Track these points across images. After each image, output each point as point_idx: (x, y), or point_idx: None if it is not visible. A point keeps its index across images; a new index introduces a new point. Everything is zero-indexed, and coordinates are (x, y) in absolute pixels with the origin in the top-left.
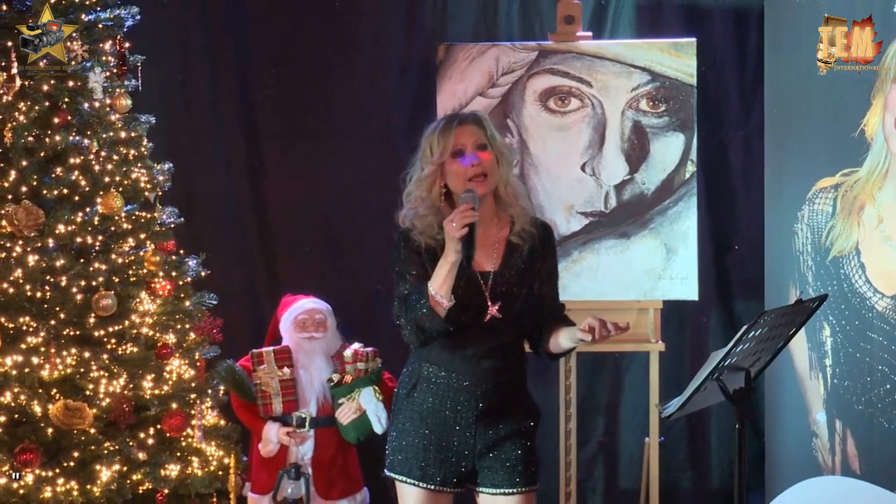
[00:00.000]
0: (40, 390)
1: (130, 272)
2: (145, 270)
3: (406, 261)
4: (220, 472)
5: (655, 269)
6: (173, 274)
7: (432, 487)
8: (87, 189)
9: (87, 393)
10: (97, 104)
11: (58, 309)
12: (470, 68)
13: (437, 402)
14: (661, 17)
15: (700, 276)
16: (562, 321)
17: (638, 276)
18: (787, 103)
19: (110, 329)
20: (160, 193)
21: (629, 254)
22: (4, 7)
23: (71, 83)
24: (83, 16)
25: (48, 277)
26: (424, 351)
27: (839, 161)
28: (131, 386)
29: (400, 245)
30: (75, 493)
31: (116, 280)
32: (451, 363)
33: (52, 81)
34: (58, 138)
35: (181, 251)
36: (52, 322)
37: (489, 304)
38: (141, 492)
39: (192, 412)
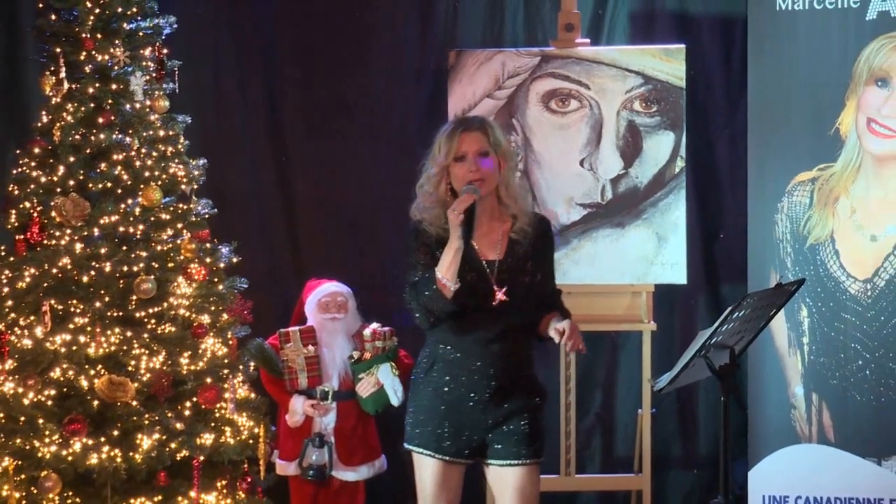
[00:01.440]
0: (87, 366)
1: (168, 259)
2: (182, 257)
3: (416, 251)
4: (251, 441)
5: (648, 255)
6: (207, 260)
7: (447, 459)
8: (129, 183)
9: (130, 369)
10: (138, 105)
11: (102, 292)
12: (478, 72)
13: (452, 381)
14: (653, 26)
15: (688, 261)
16: (556, 308)
17: (632, 262)
18: (769, 104)
19: (150, 310)
20: (195, 187)
21: (624, 242)
22: (53, 17)
23: (114, 86)
24: (125, 25)
25: (94, 263)
26: (440, 335)
27: (816, 157)
28: (169, 362)
29: (411, 237)
30: (119, 459)
31: (156, 266)
32: (463, 346)
33: (97, 84)
34: (102, 136)
35: (215, 240)
36: (98, 304)
37: (496, 289)
38: (178, 458)
39: (225, 386)
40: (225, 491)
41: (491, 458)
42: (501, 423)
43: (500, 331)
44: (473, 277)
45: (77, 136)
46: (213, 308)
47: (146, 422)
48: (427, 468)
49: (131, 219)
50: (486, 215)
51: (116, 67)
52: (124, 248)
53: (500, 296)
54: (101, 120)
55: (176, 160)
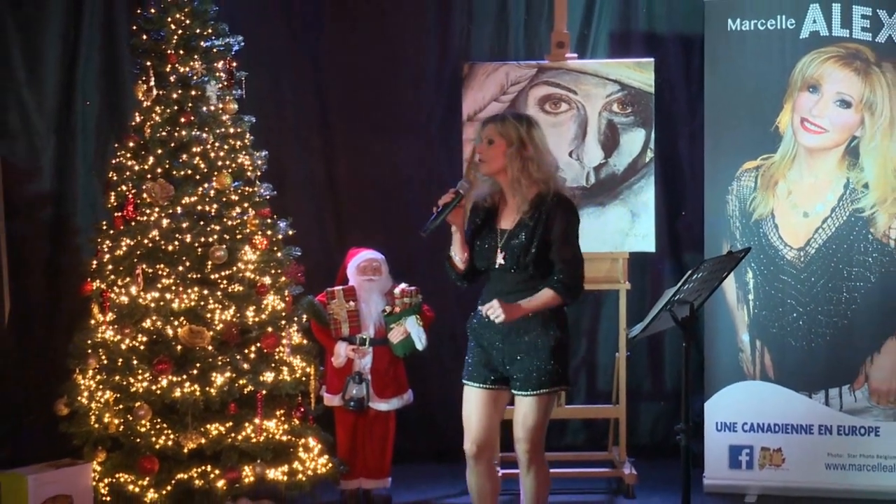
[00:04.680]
0: (172, 318)
1: (237, 231)
2: (248, 230)
3: (469, 220)
4: (304, 379)
5: (623, 228)
6: (268, 233)
7: (477, 385)
8: (205, 170)
9: (206, 320)
10: (212, 108)
11: (184, 258)
12: (487, 81)
13: (481, 327)
14: (628, 43)
15: (657, 234)
16: (553, 282)
17: (611, 234)
18: (721, 107)
19: (222, 273)
20: (259, 174)
21: (604, 217)
22: (144, 37)
23: (193, 92)
24: (202, 43)
25: (177, 235)
26: (482, 292)
27: (759, 149)
28: (238, 315)
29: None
30: (197, 393)
31: (227, 237)
32: (489, 298)
33: (180, 91)
34: (184, 133)
35: (274, 216)
36: (180, 268)
37: (498, 253)
38: (245, 392)
39: (283, 334)
40: (283, 419)
41: (512, 388)
42: (516, 360)
43: (513, 286)
44: (490, 243)
45: (163, 133)
46: (273, 271)
47: (219, 363)
48: (466, 393)
49: (207, 199)
50: (509, 191)
51: (195, 77)
52: (201, 223)
53: (499, 259)
54: (182, 119)
55: (243, 152)
